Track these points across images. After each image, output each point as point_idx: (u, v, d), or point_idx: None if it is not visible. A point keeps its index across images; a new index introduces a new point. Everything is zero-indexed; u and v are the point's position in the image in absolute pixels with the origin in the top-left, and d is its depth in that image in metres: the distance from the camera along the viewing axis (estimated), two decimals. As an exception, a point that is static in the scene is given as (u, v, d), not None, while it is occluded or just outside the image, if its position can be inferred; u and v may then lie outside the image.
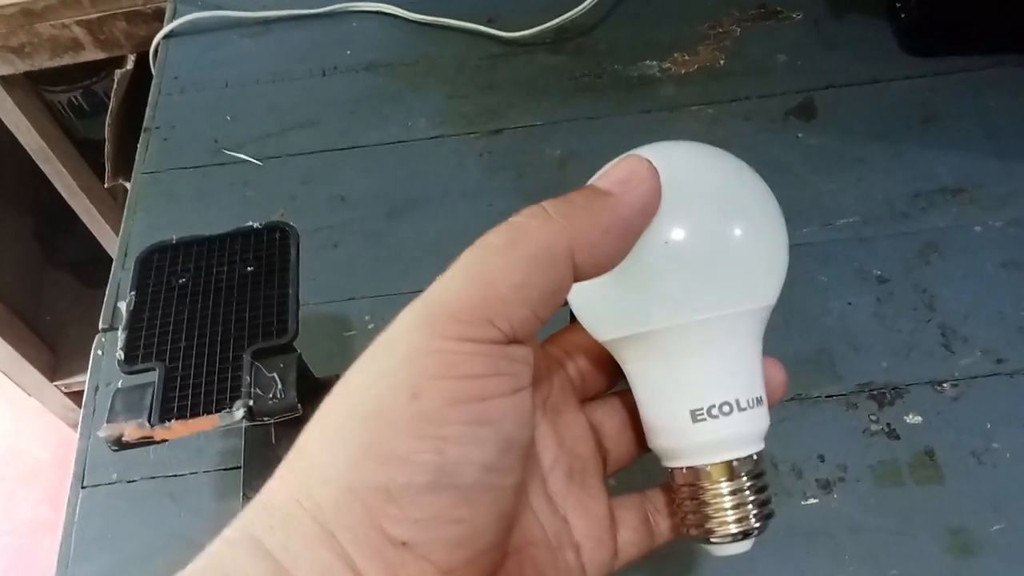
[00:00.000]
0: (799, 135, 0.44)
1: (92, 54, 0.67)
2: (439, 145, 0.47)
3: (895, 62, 0.47)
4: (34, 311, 0.95)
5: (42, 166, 0.78)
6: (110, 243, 0.84)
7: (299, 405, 0.27)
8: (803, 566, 0.31)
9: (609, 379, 0.24)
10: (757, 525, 0.21)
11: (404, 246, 0.43)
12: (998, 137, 0.43)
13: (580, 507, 0.21)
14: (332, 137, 0.48)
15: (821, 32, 0.49)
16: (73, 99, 0.83)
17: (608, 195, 0.18)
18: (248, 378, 0.28)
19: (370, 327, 0.40)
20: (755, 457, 0.21)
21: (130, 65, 0.66)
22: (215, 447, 0.36)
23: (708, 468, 0.20)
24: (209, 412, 0.27)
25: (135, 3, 0.63)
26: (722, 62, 0.48)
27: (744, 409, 0.20)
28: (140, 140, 0.49)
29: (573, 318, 0.23)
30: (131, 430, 0.27)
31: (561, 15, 0.49)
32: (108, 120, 0.65)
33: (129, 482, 0.36)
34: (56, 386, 0.93)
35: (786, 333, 0.37)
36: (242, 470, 0.33)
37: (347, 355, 0.39)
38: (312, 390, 0.29)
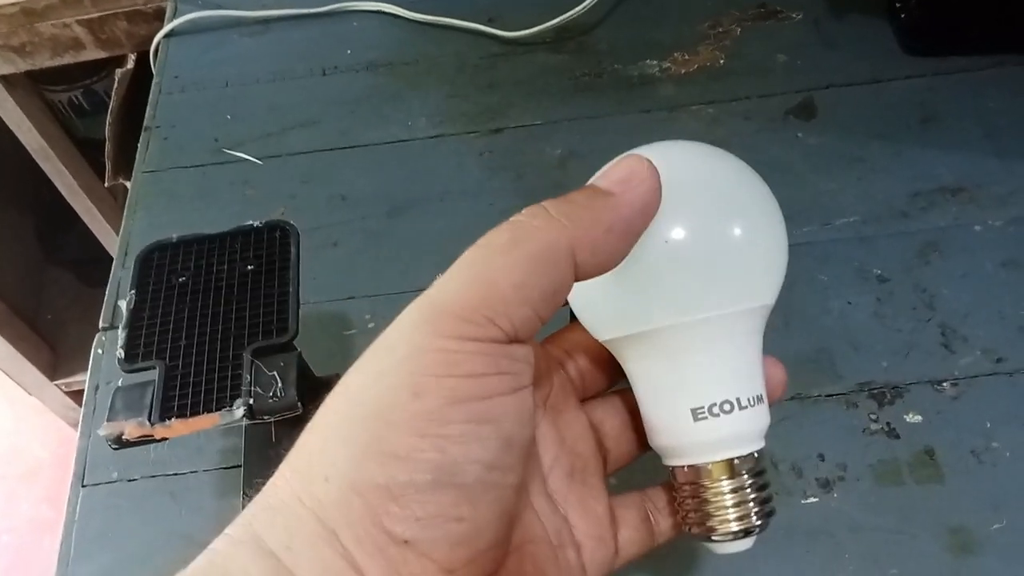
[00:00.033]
0: (799, 135, 0.44)
1: (93, 53, 0.68)
2: (439, 144, 0.47)
3: (895, 62, 0.47)
4: (34, 310, 0.95)
5: (43, 165, 0.78)
6: (110, 242, 0.84)
7: (299, 403, 0.27)
8: (803, 565, 0.31)
9: (609, 378, 0.24)
10: (758, 523, 0.21)
11: (404, 245, 0.43)
12: (998, 137, 0.43)
13: (581, 506, 0.21)
14: (332, 136, 0.48)
15: (821, 32, 0.49)
16: (74, 98, 0.83)
17: (609, 195, 0.18)
18: (248, 376, 0.28)
19: (370, 326, 0.40)
20: (756, 455, 0.21)
21: (131, 64, 0.66)
22: (215, 446, 0.36)
23: (709, 466, 0.21)
24: (209, 410, 0.27)
25: (136, 2, 0.63)
26: (722, 62, 0.48)
27: (745, 407, 0.20)
28: (140, 139, 0.49)
29: (573, 317, 0.23)
30: (131, 428, 0.27)
31: (561, 15, 0.49)
32: (109, 119, 0.65)
33: (129, 481, 0.36)
34: (56, 385, 0.93)
35: (786, 332, 0.37)
36: (242, 469, 0.33)
37: (347, 354, 0.39)
38: (312, 389, 0.29)
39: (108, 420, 0.27)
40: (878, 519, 0.32)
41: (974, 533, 0.31)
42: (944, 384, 0.35)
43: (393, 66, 0.51)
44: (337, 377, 0.32)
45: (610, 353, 0.22)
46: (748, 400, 0.20)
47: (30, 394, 0.93)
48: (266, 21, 0.54)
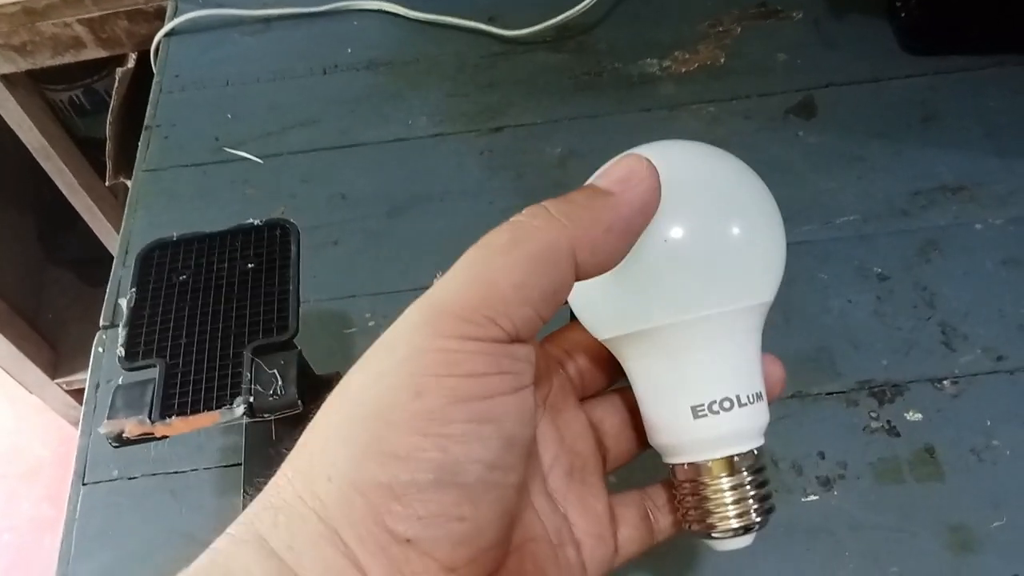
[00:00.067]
0: (799, 133, 0.44)
1: (93, 52, 0.68)
2: (439, 143, 0.47)
3: (895, 61, 0.47)
4: (35, 309, 0.95)
5: (43, 164, 0.78)
6: (111, 241, 0.84)
7: (299, 402, 0.27)
8: (803, 563, 0.31)
9: (608, 377, 0.24)
10: (758, 520, 0.21)
11: (404, 244, 0.43)
12: (998, 136, 0.43)
13: (580, 504, 0.21)
14: (333, 135, 0.48)
15: (821, 31, 0.49)
16: (74, 97, 0.83)
17: (609, 194, 0.19)
18: (248, 375, 0.28)
19: (370, 324, 0.40)
20: (755, 452, 0.21)
21: (131, 63, 0.66)
22: (215, 444, 0.36)
23: (709, 464, 0.21)
24: (209, 408, 0.27)
25: (136, 2, 0.63)
26: (722, 61, 0.48)
27: (744, 405, 0.20)
28: (141, 138, 0.49)
29: (573, 317, 0.23)
30: (132, 426, 0.27)
31: (562, 13, 0.49)
32: (109, 118, 0.65)
33: (130, 479, 0.36)
34: (57, 384, 0.93)
35: (786, 331, 0.37)
36: (243, 467, 0.33)
37: (347, 352, 0.39)
38: (312, 387, 0.29)
39: (108, 418, 0.27)
40: (878, 517, 0.32)
41: (974, 531, 0.31)
42: (944, 382, 0.35)
43: (393, 65, 0.51)
44: (338, 375, 0.32)
45: (609, 352, 0.22)
46: (748, 397, 0.20)
47: (31, 393, 0.93)
48: (267, 20, 0.54)
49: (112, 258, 0.44)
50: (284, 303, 0.30)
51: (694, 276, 0.20)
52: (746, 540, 0.21)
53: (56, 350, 0.94)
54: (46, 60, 0.68)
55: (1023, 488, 0.32)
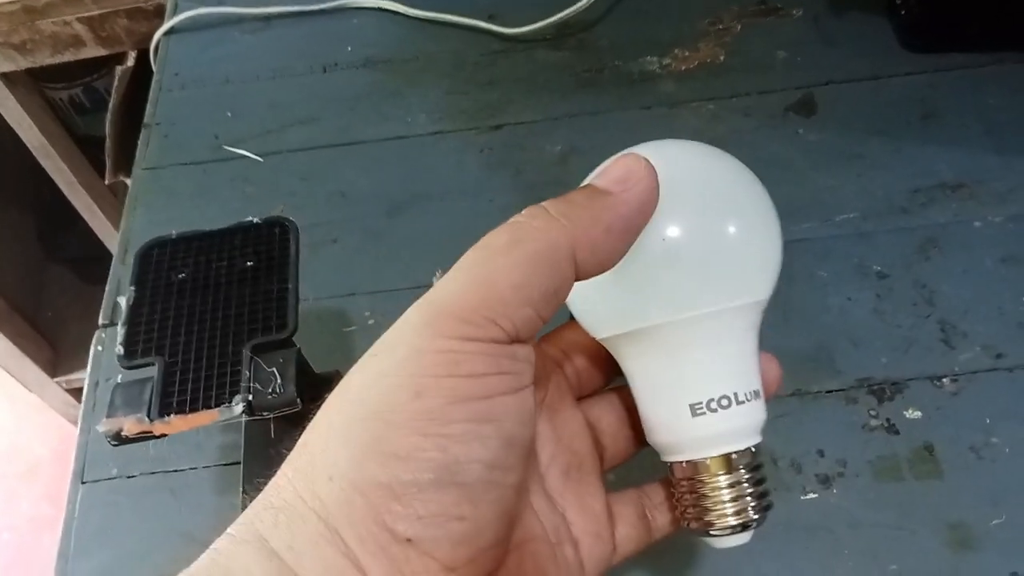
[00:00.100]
0: (799, 131, 0.44)
1: (93, 51, 0.68)
2: (439, 141, 0.47)
3: (895, 58, 0.47)
4: (35, 308, 0.95)
5: (43, 163, 0.78)
6: (111, 240, 0.84)
7: (298, 400, 0.27)
8: (802, 561, 0.31)
9: (605, 376, 0.24)
10: (756, 517, 0.21)
11: (404, 242, 0.43)
12: (998, 133, 0.43)
13: (578, 503, 0.21)
14: (332, 133, 0.48)
15: (821, 28, 0.49)
16: (74, 96, 0.83)
17: (608, 194, 0.19)
18: (247, 373, 0.28)
19: (370, 323, 0.40)
20: (753, 450, 0.21)
21: (131, 62, 0.66)
22: (215, 442, 0.36)
23: (707, 461, 0.21)
24: (208, 407, 0.27)
25: (136, 0, 0.63)
26: (722, 58, 0.48)
27: (742, 402, 0.20)
28: (140, 136, 0.49)
29: (569, 316, 0.23)
30: (130, 425, 0.27)
31: (562, 11, 0.49)
32: (109, 117, 0.65)
33: (129, 477, 0.36)
34: (57, 382, 0.93)
35: (786, 328, 0.37)
36: (242, 465, 0.33)
37: (347, 351, 0.39)
38: (312, 385, 0.29)
39: (107, 416, 0.27)
40: (877, 515, 0.32)
41: (973, 529, 0.31)
42: (944, 380, 0.35)
43: (393, 63, 0.51)
44: (337, 374, 0.32)
45: (606, 351, 0.22)
46: (745, 395, 0.20)
47: (30, 391, 0.93)
48: (266, 18, 0.54)
49: (112, 256, 0.44)
50: (283, 301, 0.30)
51: (692, 275, 0.20)
52: (744, 537, 0.21)
53: (56, 349, 0.94)
54: (46, 58, 0.68)
55: (1022, 486, 0.32)
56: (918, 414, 0.34)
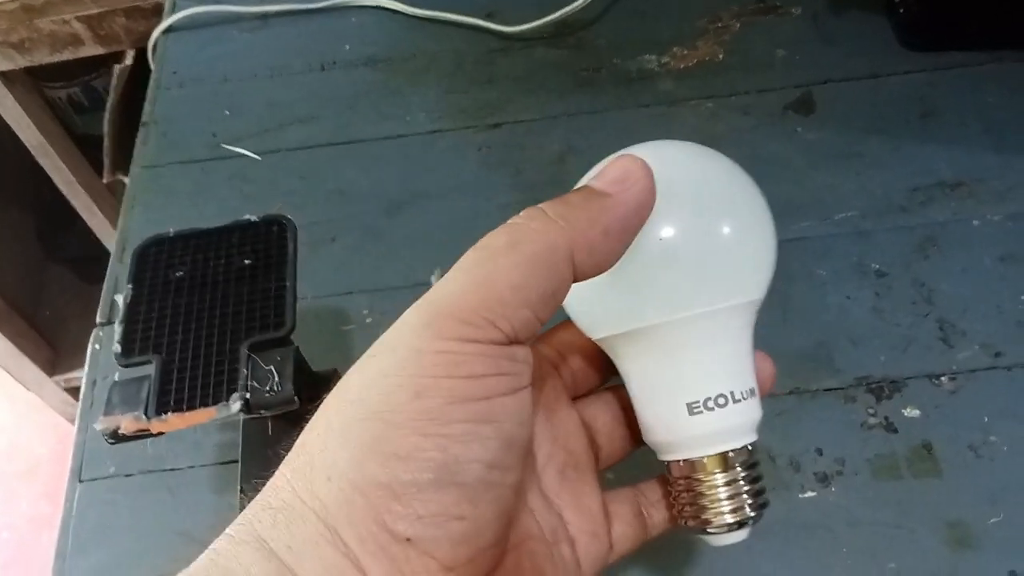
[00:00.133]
0: (798, 130, 0.44)
1: (92, 49, 0.67)
2: (438, 140, 0.47)
3: (893, 57, 0.47)
4: (34, 307, 0.95)
5: (41, 162, 0.78)
6: (109, 239, 0.84)
7: (296, 398, 0.27)
8: (801, 560, 0.31)
9: (600, 376, 0.24)
10: (753, 514, 0.21)
11: (402, 241, 0.43)
12: (996, 132, 0.43)
13: (574, 503, 0.22)
14: (331, 132, 0.48)
15: (820, 27, 0.49)
16: (73, 95, 0.83)
17: (605, 196, 0.19)
18: (245, 371, 0.28)
19: (368, 321, 0.40)
20: (750, 448, 0.21)
21: (129, 60, 0.66)
22: (213, 441, 0.36)
23: (704, 460, 0.21)
24: (206, 405, 0.27)
25: (134, -2, 0.63)
26: (721, 57, 0.48)
27: (739, 401, 0.20)
28: (138, 135, 0.49)
29: (564, 317, 0.23)
30: (127, 423, 0.27)
31: (560, 9, 0.49)
32: (107, 115, 0.65)
33: (127, 476, 0.36)
34: (55, 381, 0.93)
35: (784, 327, 0.37)
36: (240, 464, 0.33)
37: (345, 349, 0.39)
38: (309, 383, 0.29)
39: (104, 414, 0.27)
40: (876, 513, 0.32)
41: (972, 527, 0.31)
42: (942, 378, 0.35)
43: (391, 62, 0.51)
44: (335, 372, 0.32)
45: (601, 351, 0.22)
46: (741, 393, 0.21)
47: (29, 390, 0.93)
48: (264, 17, 0.54)
49: (110, 255, 0.44)
50: (281, 299, 0.30)
51: (688, 275, 0.20)
52: (741, 535, 0.21)
53: (54, 348, 0.94)
54: (44, 57, 0.68)
55: (1021, 484, 0.32)
56: (917, 412, 0.34)
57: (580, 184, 0.20)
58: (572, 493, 0.22)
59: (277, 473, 0.18)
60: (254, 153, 0.47)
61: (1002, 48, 0.46)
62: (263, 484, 0.18)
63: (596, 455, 0.23)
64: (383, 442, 0.17)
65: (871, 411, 0.34)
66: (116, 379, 0.28)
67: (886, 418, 0.34)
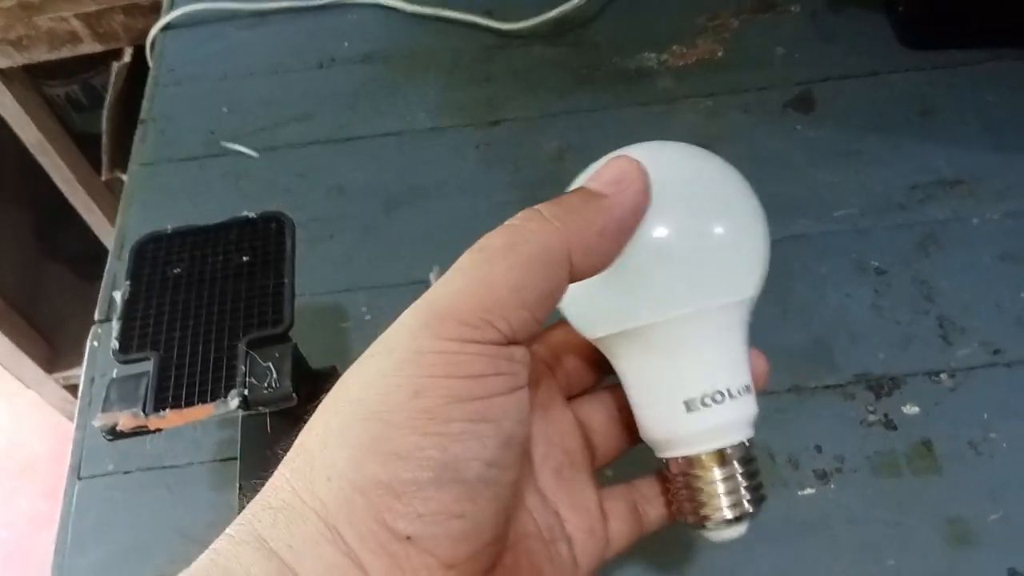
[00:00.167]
0: (797, 127, 0.44)
1: (90, 47, 0.67)
2: (436, 137, 0.47)
3: (893, 55, 0.46)
4: (32, 305, 0.95)
5: (40, 160, 0.78)
6: (108, 236, 0.84)
7: (294, 395, 0.27)
8: (800, 557, 0.31)
9: (595, 375, 0.24)
10: (751, 509, 0.21)
11: (401, 238, 0.42)
12: (996, 130, 0.43)
13: (571, 501, 0.22)
14: (329, 129, 0.47)
15: (819, 25, 0.49)
16: (71, 92, 0.83)
17: (601, 197, 0.19)
18: (243, 367, 0.28)
19: (367, 318, 0.40)
20: (747, 443, 0.21)
21: (127, 58, 0.66)
22: (211, 438, 0.36)
23: (703, 456, 0.21)
24: (204, 401, 0.27)
25: (132, -4, 0.63)
26: (720, 54, 0.48)
27: (735, 396, 0.21)
28: (136, 132, 0.49)
29: (558, 317, 0.23)
30: (125, 419, 0.27)
31: (559, 7, 0.49)
32: (105, 113, 0.65)
33: (125, 473, 0.36)
34: (54, 379, 0.93)
35: (784, 324, 0.37)
36: (238, 461, 0.33)
37: (344, 346, 0.39)
38: (308, 380, 0.29)
39: (102, 411, 0.27)
40: (875, 511, 0.32)
41: (971, 524, 0.31)
42: (942, 376, 0.35)
43: (390, 59, 0.51)
44: (334, 369, 0.32)
45: (594, 350, 0.23)
46: (738, 390, 0.21)
47: (28, 388, 0.93)
48: (262, 14, 0.54)
49: (109, 253, 0.44)
50: (279, 296, 0.30)
51: (683, 274, 0.20)
52: (740, 530, 0.21)
53: (53, 346, 0.94)
54: (42, 55, 0.68)
55: (1020, 481, 0.32)
56: (916, 410, 0.34)
57: (575, 185, 0.21)
58: (569, 492, 0.22)
59: (276, 473, 0.18)
60: (252, 150, 0.47)
61: (1002, 46, 0.46)
62: (262, 484, 0.18)
63: (592, 454, 0.23)
64: (382, 441, 0.17)
65: (870, 408, 0.34)
66: (114, 376, 0.28)
67: (885, 415, 0.34)
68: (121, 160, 0.65)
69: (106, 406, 0.27)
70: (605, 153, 0.22)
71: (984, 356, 0.35)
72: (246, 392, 0.27)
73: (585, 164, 0.22)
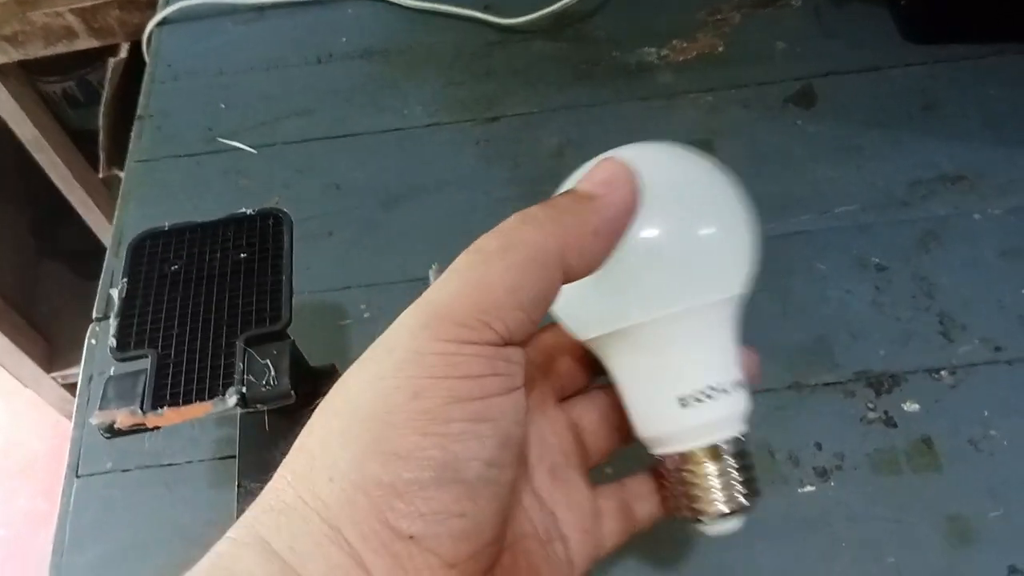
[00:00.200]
0: (798, 122, 0.44)
1: (86, 42, 0.67)
2: (435, 133, 0.46)
3: (895, 49, 0.46)
4: (30, 303, 0.95)
5: (37, 157, 0.78)
6: (106, 234, 0.84)
7: (292, 392, 0.27)
8: (800, 554, 0.31)
9: (586, 376, 0.24)
10: (746, 503, 0.21)
11: (399, 234, 0.42)
12: (998, 125, 0.43)
13: (566, 501, 0.22)
14: (327, 125, 0.47)
15: (821, 19, 0.49)
16: (68, 89, 0.82)
17: (593, 198, 0.19)
18: (241, 365, 0.28)
19: (365, 316, 0.39)
20: (741, 437, 0.22)
21: (124, 53, 0.65)
22: (210, 436, 0.36)
23: (697, 452, 0.21)
24: (201, 399, 0.27)
25: (129, -9, 0.63)
26: (721, 49, 0.48)
27: (727, 392, 0.21)
28: (133, 128, 0.49)
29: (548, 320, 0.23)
30: (123, 417, 0.27)
31: (559, 1, 0.49)
32: (102, 109, 0.65)
33: (124, 471, 0.36)
34: (52, 378, 0.93)
35: (784, 321, 0.37)
36: (237, 459, 0.33)
37: (342, 344, 0.39)
38: (306, 378, 0.29)
39: (100, 409, 0.27)
40: (875, 508, 0.32)
41: (972, 521, 0.31)
42: (942, 373, 0.35)
43: (388, 54, 0.50)
44: (333, 367, 0.32)
45: (585, 352, 0.23)
46: (731, 385, 0.21)
47: (26, 387, 0.93)
48: (260, 9, 0.53)
49: (107, 250, 0.44)
50: (277, 293, 0.29)
51: (672, 273, 0.20)
52: (736, 523, 0.22)
53: (51, 344, 0.94)
54: (38, 50, 0.68)
55: (1020, 478, 0.32)
56: (916, 407, 0.34)
57: (565, 187, 0.21)
58: (563, 492, 0.22)
59: (276, 476, 0.18)
60: (250, 147, 0.47)
61: (1004, 41, 0.46)
62: (260, 488, 0.18)
63: (585, 454, 0.23)
64: (383, 442, 0.17)
65: (870, 405, 0.34)
66: (112, 373, 0.28)
67: (886, 412, 0.34)
68: (118, 157, 0.65)
69: (104, 404, 0.27)
70: (605, 148, 0.22)
71: (985, 353, 0.35)
72: (244, 390, 0.27)
73: (585, 159, 0.22)
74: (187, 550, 0.17)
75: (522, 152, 0.45)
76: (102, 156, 0.67)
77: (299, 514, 0.17)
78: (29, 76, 0.77)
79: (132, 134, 0.48)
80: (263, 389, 0.27)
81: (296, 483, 0.17)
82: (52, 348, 0.94)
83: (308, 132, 0.47)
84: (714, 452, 0.21)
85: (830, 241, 0.39)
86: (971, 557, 0.30)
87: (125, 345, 0.29)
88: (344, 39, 0.51)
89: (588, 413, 0.24)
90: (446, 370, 0.17)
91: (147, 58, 0.53)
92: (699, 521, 0.22)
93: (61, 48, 0.67)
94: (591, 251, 0.19)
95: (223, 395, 0.27)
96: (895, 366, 0.35)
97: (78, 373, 0.40)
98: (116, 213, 0.45)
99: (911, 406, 0.34)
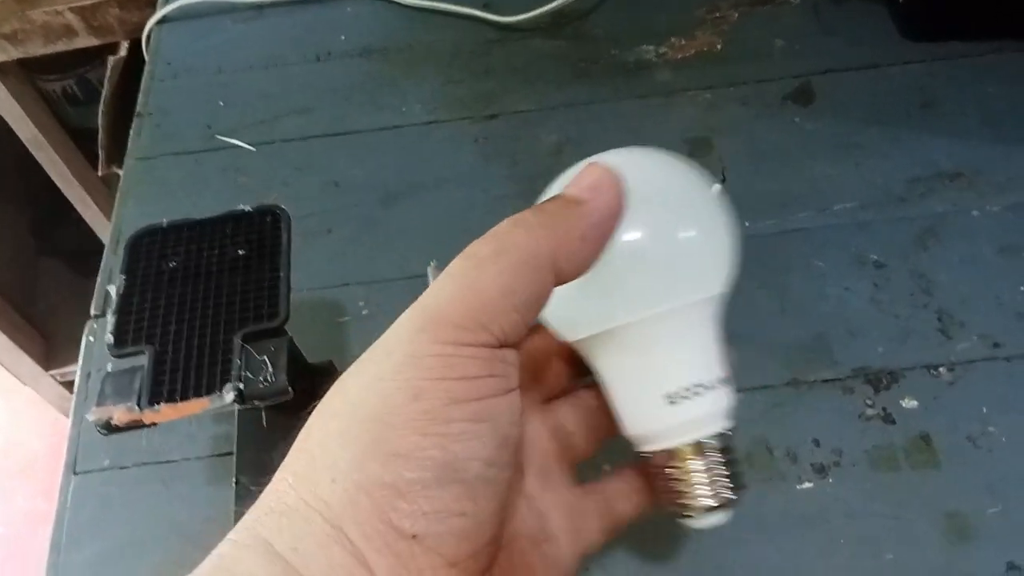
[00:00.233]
0: (796, 120, 0.44)
1: (85, 40, 0.67)
2: (434, 131, 0.46)
3: (893, 47, 0.46)
4: (29, 300, 0.95)
5: (36, 155, 0.78)
6: (104, 232, 0.84)
7: (290, 388, 0.27)
8: (798, 551, 0.31)
9: (570, 377, 0.25)
10: (733, 497, 0.22)
11: (398, 232, 0.42)
12: (996, 123, 0.43)
13: (554, 501, 0.22)
14: (326, 123, 0.47)
15: (819, 17, 0.49)
16: (67, 87, 0.82)
17: (581, 203, 0.20)
18: (238, 361, 0.28)
19: (364, 313, 0.39)
20: (729, 433, 0.22)
21: (123, 52, 0.65)
22: (207, 433, 0.36)
23: (684, 448, 0.22)
24: (199, 395, 0.27)
25: (128, -11, 0.63)
26: (719, 47, 0.48)
27: (711, 388, 0.22)
28: (132, 126, 0.49)
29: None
30: (120, 414, 0.27)
31: (557, 0, 0.49)
32: (102, 107, 0.65)
33: (121, 468, 0.36)
34: (51, 375, 0.93)
35: (783, 318, 0.37)
36: (235, 456, 0.33)
37: (341, 341, 0.39)
38: (304, 375, 0.29)
39: (97, 405, 0.27)
40: (874, 505, 0.32)
41: (970, 518, 0.31)
42: (940, 369, 0.35)
43: (387, 52, 0.50)
44: (331, 364, 0.32)
45: (570, 353, 0.24)
46: (715, 381, 0.22)
47: (25, 385, 0.93)
48: (259, 7, 0.53)
49: (105, 248, 0.44)
50: (274, 289, 0.29)
51: (655, 274, 0.21)
52: (722, 516, 0.22)
53: (49, 342, 0.94)
54: (38, 49, 0.68)
55: (1019, 475, 0.32)
56: (915, 404, 0.34)
57: (551, 192, 0.21)
58: (553, 492, 0.22)
59: (276, 478, 0.18)
60: (249, 144, 0.47)
61: (1002, 38, 0.46)
62: (258, 489, 0.18)
63: (571, 453, 0.24)
64: (384, 443, 0.17)
65: (869, 402, 0.34)
66: (109, 370, 0.28)
67: (884, 409, 0.34)
68: (118, 155, 0.65)
69: (101, 400, 0.27)
70: (604, 146, 0.22)
71: (983, 350, 0.35)
72: (241, 386, 0.27)
73: (583, 157, 0.22)
74: (184, 547, 0.17)
75: (521, 150, 0.45)
76: (101, 154, 0.67)
77: (301, 515, 0.17)
78: (29, 74, 0.77)
79: (131, 132, 0.48)
80: (261, 385, 0.27)
81: (297, 484, 0.18)
82: (50, 346, 0.94)
83: (307, 130, 0.47)
84: (700, 448, 0.22)
85: (829, 238, 0.39)
86: (969, 553, 0.30)
87: (122, 341, 0.29)
88: (343, 37, 0.51)
89: (573, 413, 0.24)
90: (444, 372, 0.17)
91: (146, 56, 0.53)
92: (687, 516, 0.22)
93: (61, 46, 0.67)
94: (580, 254, 0.20)
95: (220, 391, 0.27)
96: (893, 363, 0.35)
97: (76, 371, 0.40)
98: (115, 210, 0.45)
99: (909, 403, 0.34)
